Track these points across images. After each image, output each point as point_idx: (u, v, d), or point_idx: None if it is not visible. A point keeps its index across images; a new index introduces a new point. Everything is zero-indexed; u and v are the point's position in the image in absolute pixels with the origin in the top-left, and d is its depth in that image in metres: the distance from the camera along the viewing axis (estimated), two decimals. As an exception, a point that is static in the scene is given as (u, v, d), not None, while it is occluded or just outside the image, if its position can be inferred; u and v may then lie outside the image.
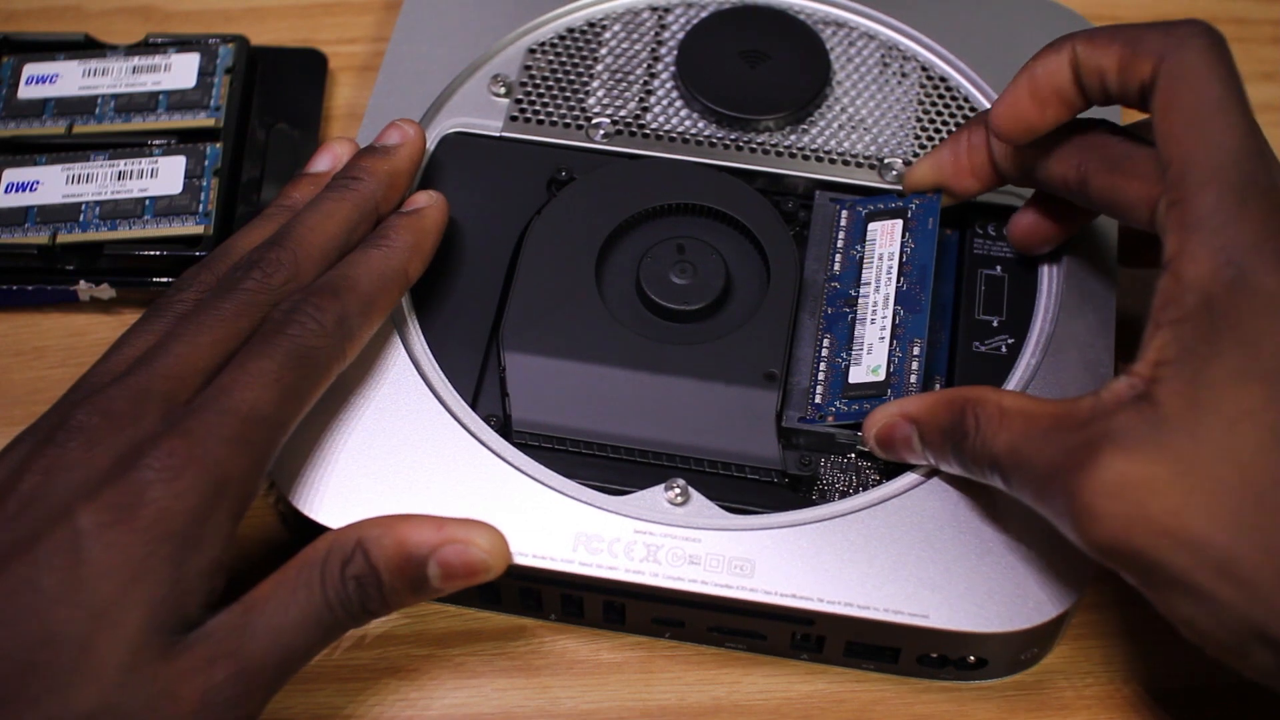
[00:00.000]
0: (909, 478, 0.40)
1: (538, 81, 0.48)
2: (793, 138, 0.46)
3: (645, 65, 0.48)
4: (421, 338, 0.42)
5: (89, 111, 0.48)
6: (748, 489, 0.40)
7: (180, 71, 0.49)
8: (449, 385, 0.41)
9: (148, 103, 0.48)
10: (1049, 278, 0.43)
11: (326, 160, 0.43)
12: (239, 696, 0.33)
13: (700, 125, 0.47)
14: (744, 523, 0.39)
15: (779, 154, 0.46)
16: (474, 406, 0.41)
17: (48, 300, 0.46)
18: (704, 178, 0.45)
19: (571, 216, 0.44)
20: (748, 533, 0.39)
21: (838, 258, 0.44)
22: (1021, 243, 0.43)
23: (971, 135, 0.42)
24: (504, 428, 0.41)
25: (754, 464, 0.40)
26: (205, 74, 0.49)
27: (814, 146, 0.46)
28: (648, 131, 0.47)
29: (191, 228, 0.46)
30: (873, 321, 0.42)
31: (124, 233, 0.46)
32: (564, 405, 0.41)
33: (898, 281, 0.42)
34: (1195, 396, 0.32)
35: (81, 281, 0.46)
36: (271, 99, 0.50)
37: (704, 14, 0.49)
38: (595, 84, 0.48)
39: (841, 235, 0.44)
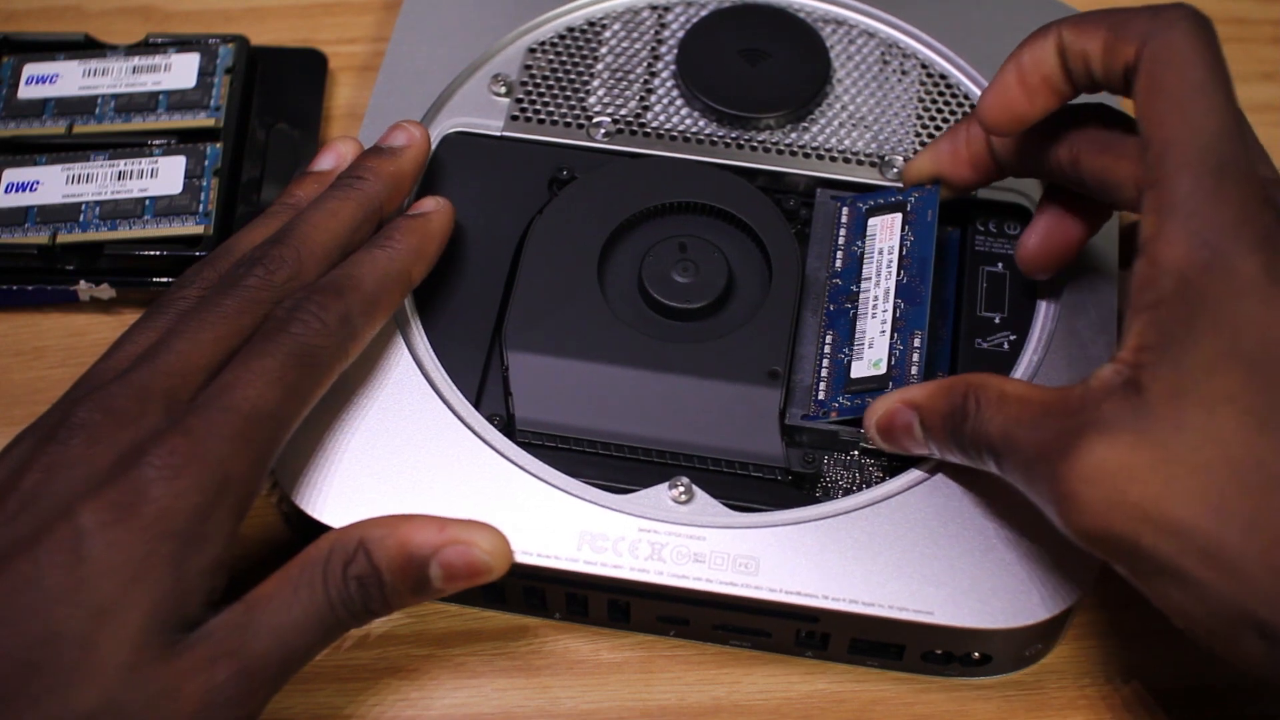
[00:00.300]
0: (913, 474, 0.40)
1: (538, 81, 0.48)
2: (793, 136, 0.46)
3: (645, 64, 0.48)
4: (424, 337, 0.42)
5: (89, 111, 0.48)
6: (751, 487, 0.40)
7: (180, 71, 0.49)
8: (452, 385, 0.41)
9: (148, 103, 0.48)
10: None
11: (330, 159, 0.43)
12: (240, 695, 0.33)
13: (701, 124, 0.47)
14: (748, 520, 0.39)
15: (780, 152, 0.46)
16: (477, 406, 0.41)
17: (48, 300, 0.46)
18: (705, 176, 0.45)
19: (573, 215, 0.44)
20: (752, 530, 0.39)
21: (839, 254, 0.44)
22: (1032, 265, 0.42)
23: (970, 127, 0.42)
24: (507, 427, 0.41)
25: (758, 462, 0.40)
26: (205, 74, 0.49)
27: (815, 144, 0.46)
28: (648, 130, 0.47)
29: (191, 228, 0.46)
30: (873, 315, 0.42)
31: (124, 233, 0.45)
32: (567, 404, 0.41)
33: (898, 275, 0.42)
34: (1176, 381, 0.32)
35: (81, 281, 0.46)
36: (271, 99, 0.50)
37: (704, 12, 0.49)
38: (596, 83, 0.48)
39: (843, 232, 0.44)
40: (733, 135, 0.46)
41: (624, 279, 0.44)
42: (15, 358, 0.46)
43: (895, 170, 0.46)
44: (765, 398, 0.41)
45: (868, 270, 0.43)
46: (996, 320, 0.43)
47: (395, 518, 0.36)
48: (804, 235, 0.45)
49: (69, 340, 0.46)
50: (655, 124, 0.47)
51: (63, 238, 0.45)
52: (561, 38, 0.49)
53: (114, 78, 0.49)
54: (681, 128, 0.47)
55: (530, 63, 0.48)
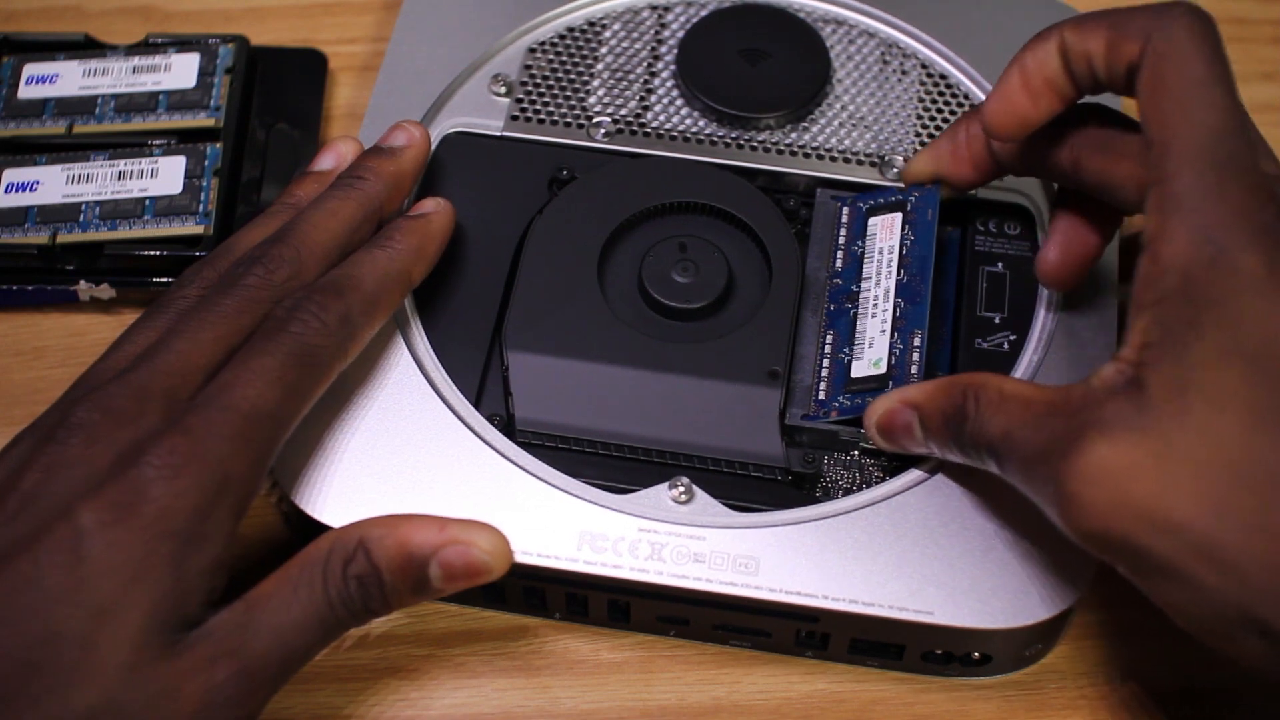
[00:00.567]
0: (913, 474, 0.40)
1: (538, 81, 0.48)
2: (793, 136, 0.46)
3: (645, 64, 0.48)
4: (424, 337, 0.42)
5: (89, 111, 0.48)
6: (751, 487, 0.40)
7: (180, 71, 0.49)
8: (452, 384, 0.41)
9: (148, 103, 0.48)
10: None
11: (331, 159, 0.43)
12: (240, 695, 0.33)
13: (701, 124, 0.47)
14: (748, 520, 0.39)
15: (780, 152, 0.46)
16: (477, 406, 0.41)
17: (48, 300, 0.46)
18: (705, 176, 0.45)
19: (573, 215, 0.44)
20: (752, 530, 0.39)
21: (839, 254, 0.44)
22: (1055, 279, 0.42)
23: (969, 126, 0.42)
24: (507, 427, 0.41)
25: (758, 462, 0.40)
26: (205, 74, 0.49)
27: (815, 144, 0.46)
28: (649, 130, 0.47)
29: (191, 228, 0.46)
30: (873, 315, 0.42)
31: (124, 233, 0.45)
32: (567, 404, 0.41)
33: (898, 274, 0.42)
34: (1179, 379, 0.32)
35: (81, 281, 0.46)
36: (271, 99, 0.50)
37: (704, 12, 0.49)
38: (596, 83, 0.48)
39: (843, 232, 0.44)
40: (733, 135, 0.46)
41: (624, 279, 0.44)
42: (15, 358, 0.46)
43: (895, 170, 0.46)
44: (765, 398, 0.41)
45: (868, 270, 0.43)
46: (996, 320, 0.43)
47: (395, 517, 0.36)
48: (804, 235, 0.45)
49: (69, 340, 0.46)
50: (655, 124, 0.47)
51: (63, 238, 0.45)
52: (561, 38, 0.49)
53: (114, 78, 0.49)
54: (681, 128, 0.47)
55: (530, 63, 0.48)
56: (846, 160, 0.46)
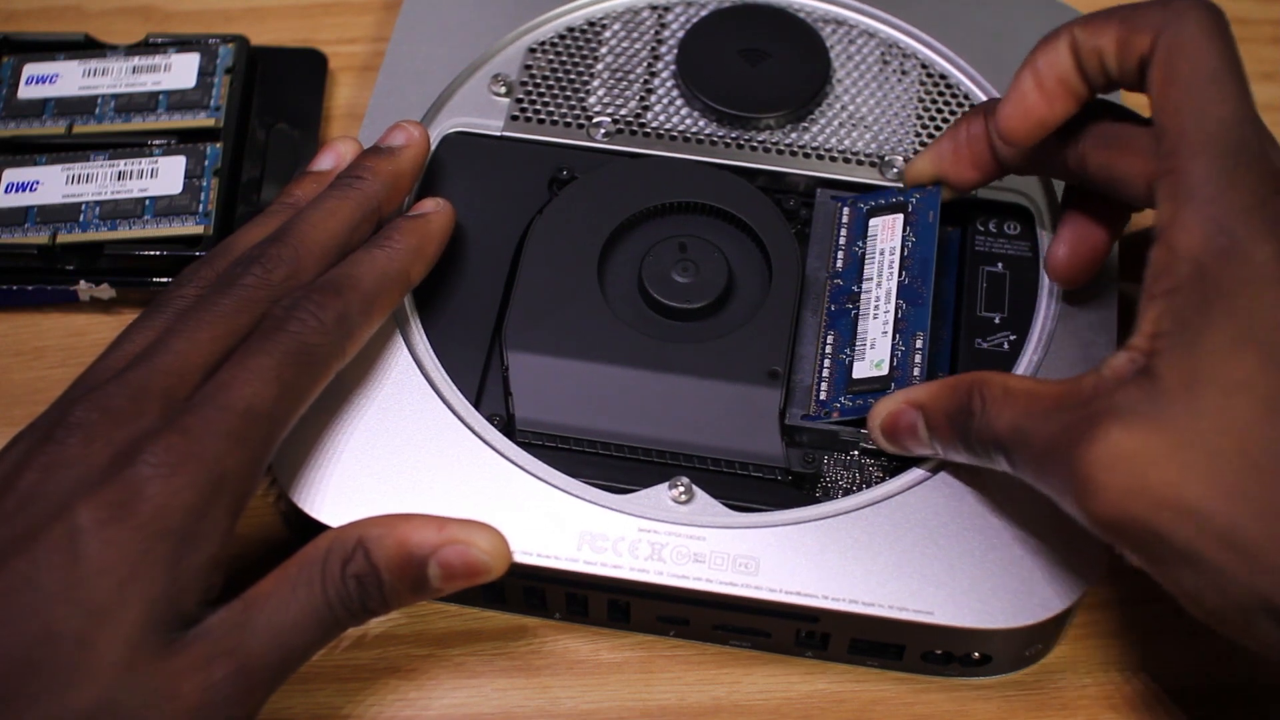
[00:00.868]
0: (913, 474, 0.40)
1: (538, 81, 0.48)
2: (793, 136, 0.46)
3: (645, 64, 0.48)
4: (424, 337, 0.42)
5: (89, 111, 0.48)
6: (751, 487, 0.40)
7: (180, 71, 0.49)
8: (452, 384, 0.41)
9: (148, 103, 0.48)
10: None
11: (330, 159, 0.43)
12: (238, 694, 0.33)
13: (701, 124, 0.47)
14: (748, 520, 0.39)
15: (780, 152, 0.46)
16: (477, 405, 0.41)
17: (48, 300, 0.46)
18: (705, 176, 0.45)
19: (573, 215, 0.44)
20: (752, 530, 0.39)
21: (840, 255, 0.44)
22: (1064, 276, 0.42)
23: (970, 126, 0.42)
24: (507, 427, 0.41)
25: (758, 462, 0.40)
26: (205, 74, 0.49)
27: (815, 144, 0.46)
28: (649, 130, 0.47)
29: (191, 228, 0.46)
30: (875, 316, 0.42)
31: (124, 233, 0.45)
32: (567, 404, 0.41)
33: (899, 275, 0.42)
34: (1192, 367, 0.32)
35: (81, 281, 0.46)
36: (271, 99, 0.50)
37: (704, 12, 0.49)
38: (596, 83, 0.48)
39: (843, 232, 0.44)
40: (733, 135, 0.46)
41: (624, 279, 0.44)
42: (15, 358, 0.46)
43: (895, 170, 0.46)
44: (765, 398, 0.41)
45: (869, 271, 0.43)
46: (996, 320, 0.43)
47: (394, 517, 0.36)
48: (804, 235, 0.45)
49: (69, 340, 0.46)
50: (655, 124, 0.47)
51: (63, 238, 0.45)
52: (561, 38, 0.49)
53: (114, 78, 0.49)
54: (681, 128, 0.47)
55: (530, 63, 0.48)
56: (846, 160, 0.46)
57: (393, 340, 0.42)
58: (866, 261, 0.43)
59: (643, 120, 0.47)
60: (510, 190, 0.45)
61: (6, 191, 0.46)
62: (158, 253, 0.45)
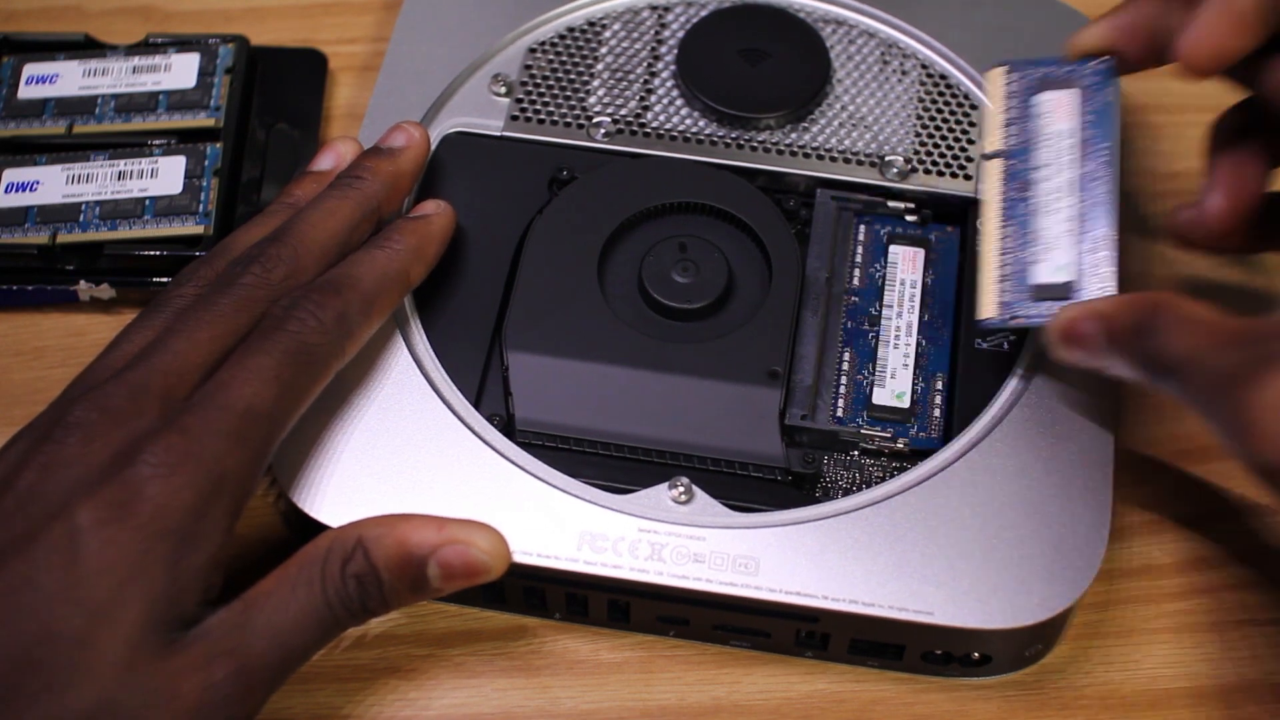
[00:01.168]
0: (913, 474, 0.40)
1: (538, 81, 0.48)
2: (793, 136, 0.46)
3: (645, 64, 0.48)
4: (424, 337, 0.42)
5: (89, 111, 0.48)
6: (751, 487, 0.40)
7: (180, 71, 0.49)
8: (451, 384, 0.41)
9: (148, 103, 0.48)
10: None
11: (330, 159, 0.43)
12: (238, 694, 0.33)
13: (701, 124, 0.47)
14: (748, 520, 0.39)
15: (780, 152, 0.46)
16: (477, 405, 0.41)
17: (48, 300, 0.46)
18: (705, 176, 0.45)
19: (573, 216, 0.44)
20: (752, 530, 0.39)
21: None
22: (1220, 230, 0.39)
23: (1151, 4, 0.39)
24: (507, 427, 0.41)
25: (757, 462, 0.40)
26: (205, 74, 0.49)
27: (815, 144, 0.46)
28: (649, 130, 0.47)
29: (191, 228, 0.46)
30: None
31: (124, 233, 0.45)
32: (567, 404, 0.41)
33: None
34: None
35: (81, 281, 0.46)
36: (271, 99, 0.50)
37: (704, 12, 0.49)
38: (596, 83, 0.48)
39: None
40: (733, 135, 0.46)
41: (624, 279, 0.44)
42: (15, 358, 0.46)
43: (895, 170, 0.46)
44: (765, 398, 0.41)
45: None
46: (997, 320, 0.43)
47: (394, 517, 0.36)
48: (804, 235, 0.45)
49: (69, 340, 0.46)
50: (655, 124, 0.47)
51: (63, 238, 0.45)
52: (561, 38, 0.49)
53: (114, 78, 0.49)
54: (681, 128, 0.47)
55: (530, 63, 0.48)
56: (846, 160, 0.46)
57: (393, 340, 0.42)
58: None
59: (643, 120, 0.47)
60: (510, 190, 0.45)
61: (6, 191, 0.46)
62: (158, 253, 0.45)
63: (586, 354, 0.41)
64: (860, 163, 0.46)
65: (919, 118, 0.47)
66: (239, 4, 0.54)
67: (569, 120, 0.47)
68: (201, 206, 0.46)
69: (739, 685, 0.40)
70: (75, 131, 0.48)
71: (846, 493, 0.40)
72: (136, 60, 0.49)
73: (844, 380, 0.42)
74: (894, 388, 0.42)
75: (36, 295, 0.46)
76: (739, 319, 0.43)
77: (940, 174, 0.45)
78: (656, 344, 0.42)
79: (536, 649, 0.41)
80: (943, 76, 0.48)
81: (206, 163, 0.47)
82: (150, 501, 0.33)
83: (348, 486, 0.39)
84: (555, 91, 0.48)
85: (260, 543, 0.42)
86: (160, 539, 0.33)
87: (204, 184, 0.46)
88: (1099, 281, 0.38)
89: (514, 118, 0.47)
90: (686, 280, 0.43)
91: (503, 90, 0.47)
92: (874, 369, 0.42)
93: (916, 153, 0.46)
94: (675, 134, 0.47)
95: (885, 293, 0.43)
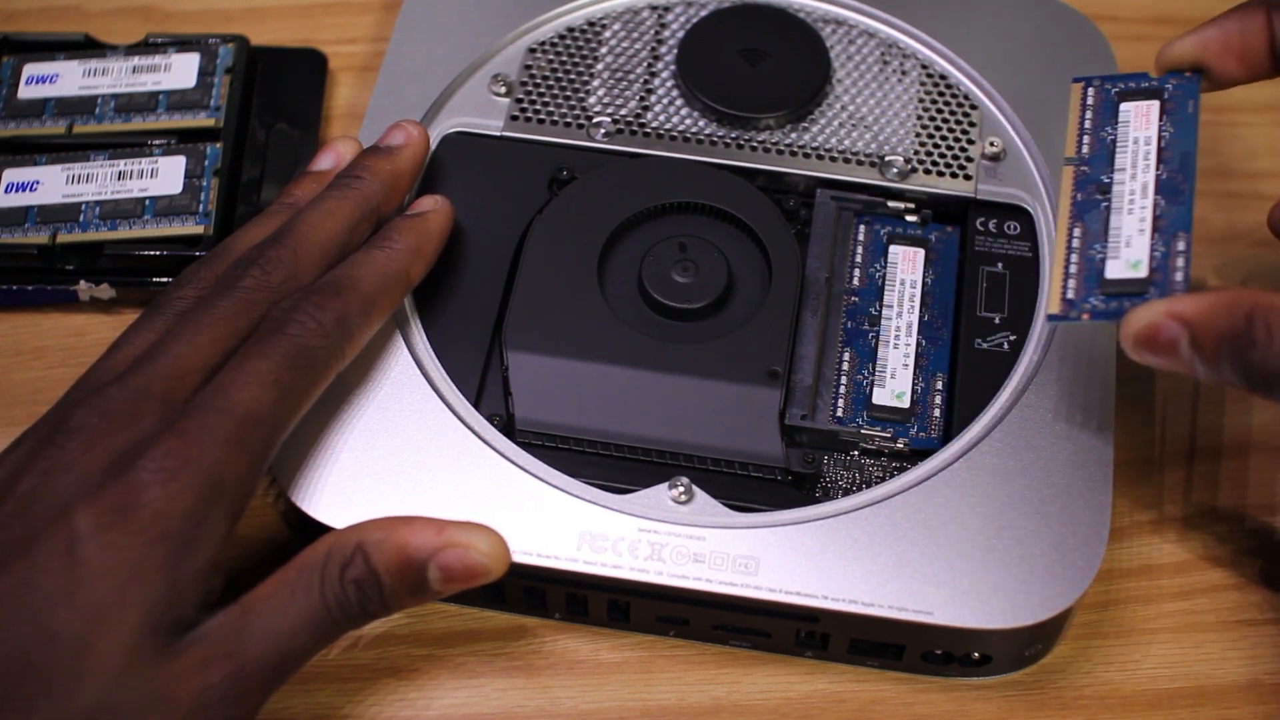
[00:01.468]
0: (913, 474, 0.40)
1: (538, 81, 0.48)
2: (793, 136, 0.46)
3: (645, 64, 0.48)
4: (424, 337, 0.42)
5: (89, 111, 0.48)
6: (751, 487, 0.40)
7: (180, 71, 0.49)
8: (451, 384, 0.41)
9: (148, 103, 0.48)
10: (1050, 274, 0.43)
11: (329, 159, 0.43)
12: (235, 697, 0.33)
13: (701, 124, 0.47)
14: (748, 520, 0.39)
15: (780, 152, 0.46)
16: (477, 405, 0.41)
17: (48, 300, 0.46)
18: (705, 176, 0.45)
19: (573, 215, 0.44)
20: (752, 530, 0.39)
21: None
22: (1221, 60, 0.38)
23: (1248, 17, 0.38)
24: (507, 427, 0.41)
25: (757, 462, 0.40)
26: (205, 74, 0.49)
27: (815, 144, 0.46)
28: (648, 130, 0.47)
29: (191, 228, 0.46)
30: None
31: (124, 233, 0.45)
32: (567, 404, 0.41)
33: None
34: None
35: (81, 281, 0.46)
36: (271, 99, 0.50)
37: (704, 13, 0.49)
38: (596, 83, 0.48)
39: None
40: (733, 135, 0.46)
41: (624, 279, 0.44)
42: (15, 358, 0.46)
43: (895, 170, 0.46)
44: (765, 398, 0.41)
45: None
46: (996, 320, 0.43)
47: (393, 520, 0.36)
48: (804, 235, 0.45)
49: (69, 340, 0.46)
50: (655, 124, 0.47)
51: (63, 238, 0.45)
52: (561, 38, 0.49)
53: (114, 78, 0.49)
54: (681, 128, 0.47)
55: (530, 63, 0.48)
56: (846, 160, 0.46)
57: (393, 340, 0.42)
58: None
59: (643, 120, 0.47)
60: (510, 190, 0.45)
61: (6, 191, 0.46)
62: (158, 253, 0.45)
63: (586, 354, 0.41)
64: (860, 163, 0.46)
65: (919, 118, 0.47)
66: (239, 4, 0.54)
67: (569, 120, 0.47)
68: (201, 206, 0.46)
69: (739, 685, 0.40)
70: (75, 131, 0.48)
71: (846, 493, 0.40)
72: (136, 60, 0.49)
73: (844, 380, 0.42)
74: (894, 388, 0.42)
75: (36, 295, 0.46)
76: (739, 319, 0.43)
77: (940, 174, 0.46)
78: (656, 344, 0.42)
79: (536, 649, 0.41)
80: (943, 76, 0.48)
81: (206, 163, 0.47)
82: (150, 506, 0.33)
83: (348, 486, 0.39)
84: (555, 91, 0.48)
85: (260, 543, 0.42)
86: (159, 543, 0.33)
87: (204, 184, 0.46)
88: (1174, 275, 0.37)
89: (514, 118, 0.47)
90: (686, 280, 0.43)
91: (503, 90, 0.47)
92: (874, 369, 0.42)
93: (916, 153, 0.46)
94: (675, 134, 0.47)
95: (885, 293, 0.44)
